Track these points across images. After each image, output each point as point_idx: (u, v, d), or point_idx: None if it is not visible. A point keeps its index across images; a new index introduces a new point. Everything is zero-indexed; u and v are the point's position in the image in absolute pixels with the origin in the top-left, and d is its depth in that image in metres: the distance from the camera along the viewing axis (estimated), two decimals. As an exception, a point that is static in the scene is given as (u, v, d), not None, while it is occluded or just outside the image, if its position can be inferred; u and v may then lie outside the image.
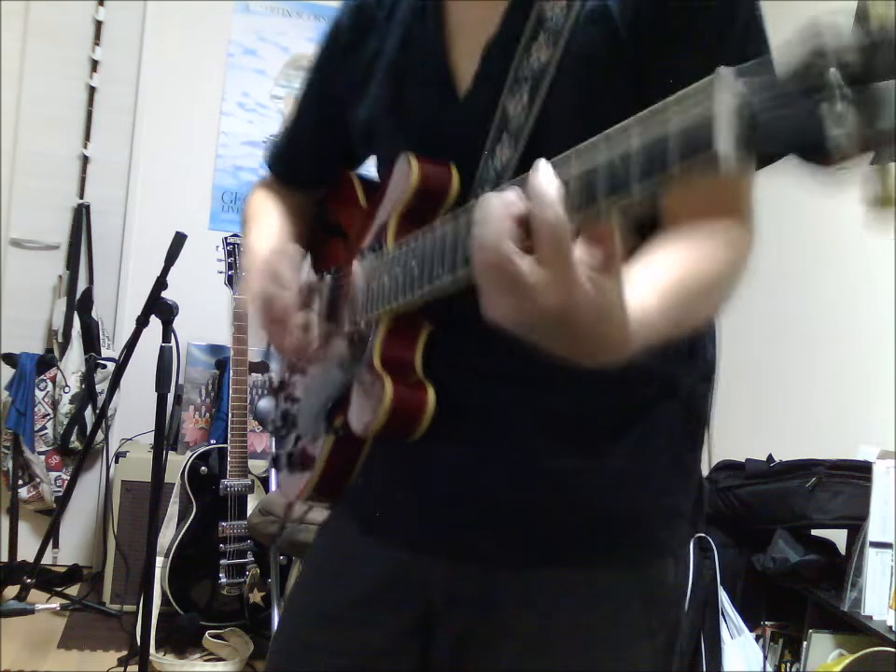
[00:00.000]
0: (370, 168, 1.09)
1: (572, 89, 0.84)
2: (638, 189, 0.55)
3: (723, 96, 0.50)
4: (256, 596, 2.90)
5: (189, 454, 3.04)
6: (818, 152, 0.47)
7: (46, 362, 3.38)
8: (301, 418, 1.06)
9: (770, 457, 2.59)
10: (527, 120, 0.84)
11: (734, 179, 0.81)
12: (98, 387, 3.38)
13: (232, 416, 2.90)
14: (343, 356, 0.95)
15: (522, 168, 0.81)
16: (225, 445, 2.94)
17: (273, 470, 2.86)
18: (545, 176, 0.60)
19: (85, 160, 3.54)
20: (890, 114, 0.44)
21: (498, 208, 0.61)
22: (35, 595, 2.98)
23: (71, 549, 3.53)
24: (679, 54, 0.82)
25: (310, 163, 1.16)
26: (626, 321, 0.66)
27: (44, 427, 3.35)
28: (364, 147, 1.06)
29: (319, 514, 1.11)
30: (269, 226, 1.10)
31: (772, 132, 0.48)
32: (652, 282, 0.73)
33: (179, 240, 2.49)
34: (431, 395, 0.87)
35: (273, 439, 1.15)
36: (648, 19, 0.82)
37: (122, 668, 2.60)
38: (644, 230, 0.82)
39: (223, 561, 2.88)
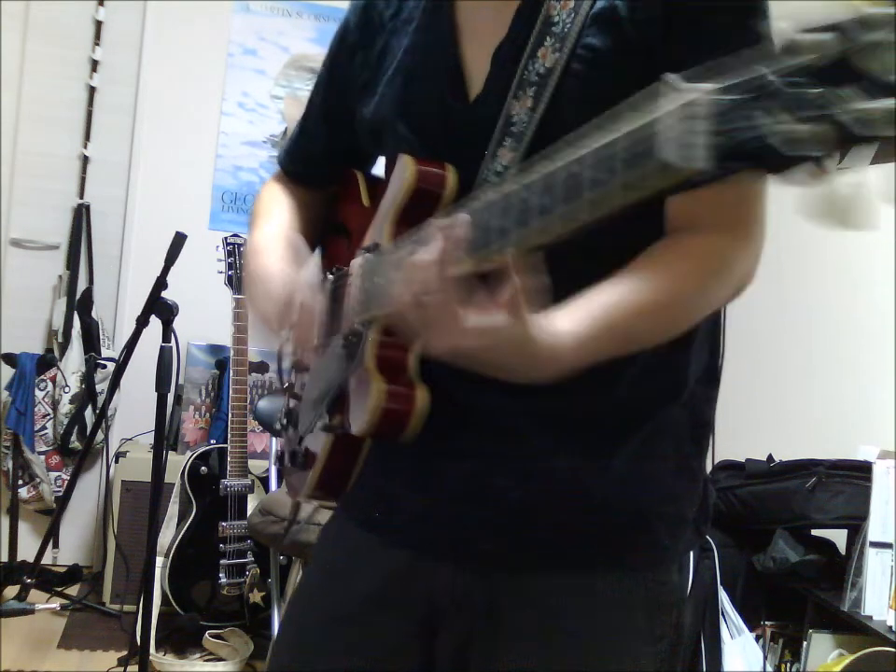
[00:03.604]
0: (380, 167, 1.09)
1: (577, 92, 0.84)
2: (589, 200, 0.58)
3: (670, 104, 0.50)
4: (256, 596, 2.90)
5: (189, 454, 3.04)
6: (762, 162, 0.47)
7: (46, 362, 3.38)
8: (303, 416, 1.06)
9: (770, 457, 2.59)
10: (530, 124, 0.85)
11: (735, 190, 0.82)
12: (98, 387, 3.38)
13: (232, 416, 2.90)
14: (340, 355, 0.95)
15: None
16: (225, 445, 2.94)
17: (277, 468, 2.86)
18: (451, 235, 0.69)
19: (85, 160, 3.54)
20: (849, 137, 0.43)
21: (424, 263, 0.70)
22: (35, 595, 2.97)
23: (71, 549, 3.53)
24: (689, 58, 0.82)
25: (320, 162, 1.16)
26: (553, 347, 0.73)
27: (44, 427, 3.35)
28: (371, 147, 1.06)
29: (324, 515, 1.11)
30: (276, 225, 1.09)
31: (738, 148, 0.48)
32: (588, 308, 0.77)
33: (179, 240, 2.49)
34: (422, 395, 0.87)
35: (282, 438, 1.15)
36: (659, 21, 0.82)
37: (122, 668, 2.60)
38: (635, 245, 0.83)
39: (223, 561, 2.88)
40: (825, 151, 0.44)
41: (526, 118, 0.85)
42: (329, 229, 1.14)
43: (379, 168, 1.09)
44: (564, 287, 0.77)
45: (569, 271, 0.77)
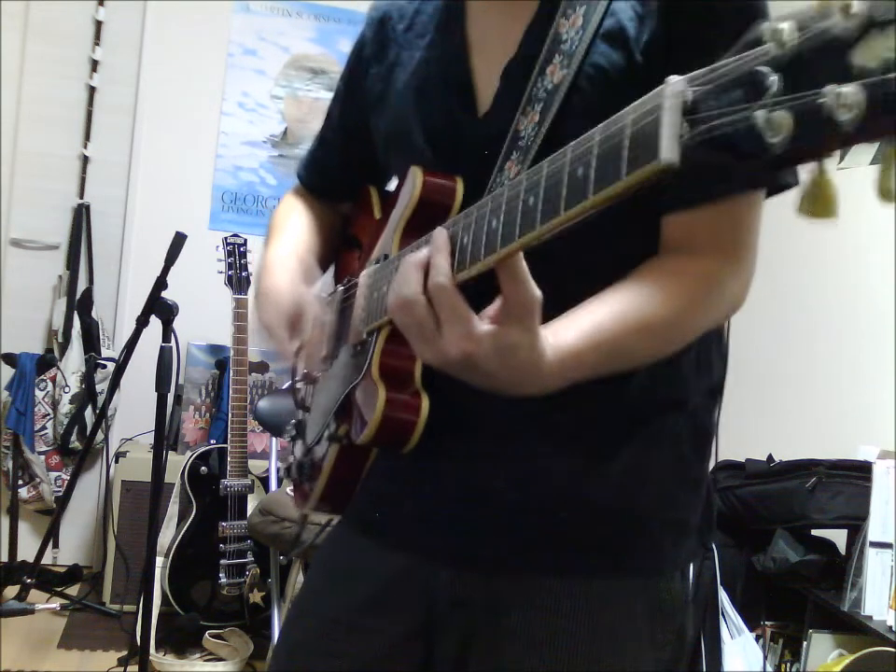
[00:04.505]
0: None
1: (582, 108, 0.84)
2: (567, 196, 0.58)
3: (670, 103, 0.49)
4: (256, 596, 2.90)
5: (189, 454, 3.04)
6: (759, 160, 0.45)
7: (46, 362, 3.38)
8: (311, 427, 1.07)
9: (770, 457, 2.59)
10: (536, 138, 0.85)
11: (732, 214, 0.83)
12: (98, 387, 3.38)
13: (232, 416, 2.90)
14: (348, 365, 0.95)
15: None
16: (225, 445, 2.94)
17: (278, 477, 2.86)
18: (437, 243, 0.70)
19: (85, 160, 3.54)
20: (825, 122, 0.41)
21: (412, 269, 0.71)
22: (35, 595, 2.98)
23: (71, 549, 3.53)
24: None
25: (337, 175, 1.17)
26: (537, 361, 0.71)
27: (44, 427, 3.35)
28: (386, 159, 1.07)
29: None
30: (289, 241, 1.10)
31: (715, 139, 0.47)
32: (577, 324, 0.77)
33: (179, 240, 2.49)
34: (425, 406, 0.87)
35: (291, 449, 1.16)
36: (662, 45, 0.82)
37: (122, 668, 2.60)
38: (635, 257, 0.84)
39: (223, 561, 2.89)
40: (817, 141, 0.43)
41: (533, 132, 0.85)
42: (344, 242, 1.15)
43: (393, 184, 1.09)
44: (554, 302, 0.76)
45: (559, 286, 0.77)
